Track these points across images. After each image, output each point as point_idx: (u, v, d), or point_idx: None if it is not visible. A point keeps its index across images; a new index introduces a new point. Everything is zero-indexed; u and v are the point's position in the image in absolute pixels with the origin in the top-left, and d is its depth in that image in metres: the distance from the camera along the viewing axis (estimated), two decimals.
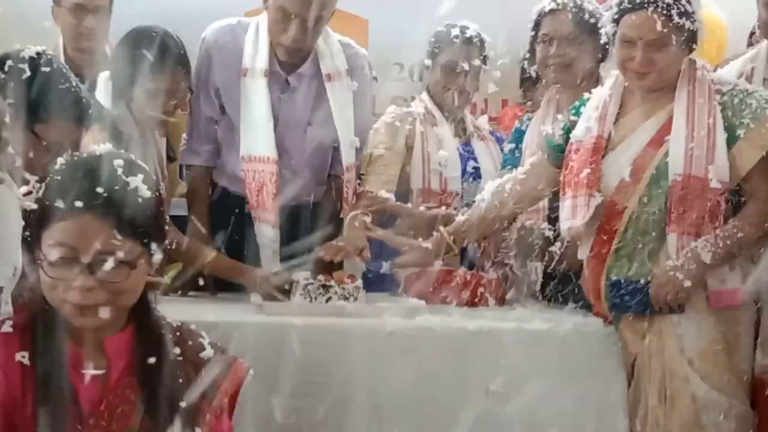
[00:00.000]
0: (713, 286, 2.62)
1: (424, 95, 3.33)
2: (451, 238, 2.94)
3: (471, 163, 3.28)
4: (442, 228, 2.97)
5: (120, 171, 1.82)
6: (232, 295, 2.98)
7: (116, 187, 1.80)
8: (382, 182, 3.14)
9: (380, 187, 3.12)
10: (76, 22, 3.35)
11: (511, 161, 3.19)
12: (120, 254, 1.79)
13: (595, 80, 3.03)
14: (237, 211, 3.10)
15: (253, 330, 2.52)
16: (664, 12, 2.58)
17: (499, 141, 3.43)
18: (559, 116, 2.96)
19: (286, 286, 2.81)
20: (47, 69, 2.24)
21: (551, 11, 3.13)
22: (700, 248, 2.57)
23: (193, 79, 3.03)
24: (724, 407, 2.60)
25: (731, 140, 2.61)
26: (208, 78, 3.09)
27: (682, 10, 2.59)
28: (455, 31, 3.24)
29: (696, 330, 2.62)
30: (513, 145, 3.28)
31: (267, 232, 3.04)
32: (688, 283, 2.57)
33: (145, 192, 1.82)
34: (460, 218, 2.97)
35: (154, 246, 1.85)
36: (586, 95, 2.85)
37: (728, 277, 2.62)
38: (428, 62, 3.29)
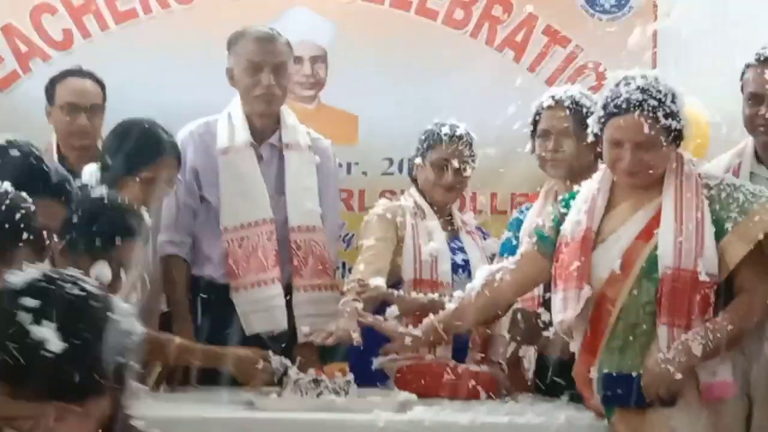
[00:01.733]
0: (704, 378, 2.62)
1: (413, 190, 3.39)
2: (441, 325, 2.94)
3: (460, 256, 3.32)
4: (432, 315, 2.97)
5: (24, 317, 1.36)
6: (222, 389, 2.95)
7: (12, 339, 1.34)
8: (374, 271, 3.16)
9: (371, 275, 3.14)
10: (69, 120, 3.40)
11: (508, 249, 3.21)
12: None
13: (590, 172, 3.06)
14: (214, 298, 3.17)
15: (245, 426, 2.50)
16: (651, 114, 2.62)
17: (486, 236, 3.46)
18: (549, 208, 2.99)
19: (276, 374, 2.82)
20: (17, 153, 2.24)
21: (549, 107, 3.18)
22: (691, 341, 2.58)
23: None
24: None
25: (719, 234, 2.64)
26: (185, 166, 3.22)
27: (668, 111, 2.64)
28: (445, 130, 3.31)
29: (688, 422, 2.61)
30: (510, 234, 3.31)
31: (269, 291, 3.14)
32: (679, 376, 2.57)
33: (56, 345, 1.34)
34: (450, 306, 2.98)
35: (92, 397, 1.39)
36: (576, 188, 2.89)
37: (719, 369, 2.63)
38: (418, 160, 3.35)
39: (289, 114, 3.37)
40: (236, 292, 3.21)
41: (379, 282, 3.11)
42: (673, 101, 2.65)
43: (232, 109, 3.33)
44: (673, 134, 2.67)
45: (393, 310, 3.01)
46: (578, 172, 3.06)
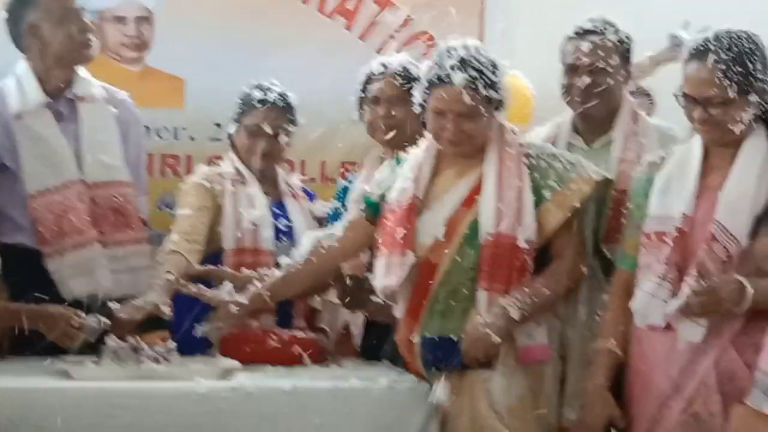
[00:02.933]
0: (522, 341, 2.70)
1: (233, 155, 3.32)
2: (267, 292, 2.92)
3: (283, 222, 3.27)
4: (257, 282, 2.94)
5: None
6: (38, 359, 2.85)
7: None
8: (190, 242, 3.10)
9: (186, 246, 3.08)
10: None
11: (335, 218, 3.21)
12: None
13: (419, 142, 3.07)
14: (29, 266, 3.06)
15: (62, 397, 2.44)
16: (472, 85, 2.67)
17: (311, 197, 3.44)
18: (377, 175, 3.01)
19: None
20: None
21: (380, 74, 3.18)
22: (509, 305, 2.65)
23: None
24: None
25: (538, 201, 2.71)
26: None
27: (489, 81, 2.69)
28: (258, 94, 3.25)
29: (505, 385, 2.68)
30: (339, 204, 3.30)
31: (86, 254, 3.03)
32: (497, 339, 2.63)
33: None
34: (276, 273, 2.96)
35: None
36: (402, 155, 2.91)
37: (535, 332, 2.71)
38: (234, 125, 3.29)
39: (80, 68, 3.22)
40: (51, 259, 3.08)
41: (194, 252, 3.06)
42: (493, 72, 2.71)
43: (20, 71, 3.16)
44: (493, 104, 2.72)
45: (228, 287, 2.96)
46: (406, 140, 3.08)
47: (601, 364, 2.65)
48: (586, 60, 3.00)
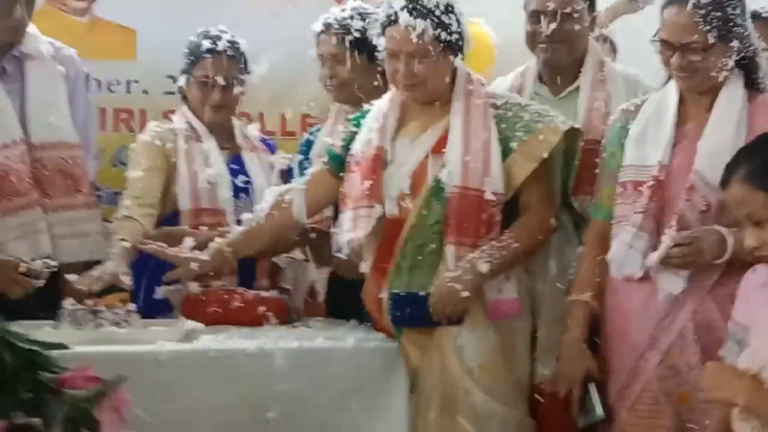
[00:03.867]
0: (491, 296, 2.66)
1: (185, 109, 3.20)
2: (229, 249, 2.84)
3: (241, 178, 3.18)
4: (219, 239, 2.87)
5: None
6: None
7: None
8: (142, 205, 3.01)
9: (140, 210, 2.99)
10: None
11: (301, 173, 3.13)
12: None
13: (379, 94, 3.01)
14: None
15: None
16: (419, 24, 2.61)
17: (272, 149, 3.35)
18: (340, 127, 2.94)
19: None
20: None
21: (321, 33, 3.11)
22: (477, 258, 2.60)
23: None
24: (503, 417, 2.64)
25: (506, 152, 2.66)
26: None
27: (438, 21, 2.63)
28: (206, 43, 3.13)
29: (475, 341, 2.64)
30: (302, 157, 3.22)
31: (27, 216, 2.91)
32: (466, 294, 2.59)
33: None
34: (238, 229, 2.89)
35: None
36: (366, 107, 2.85)
37: (504, 287, 2.67)
38: (184, 77, 3.18)
39: (32, 26, 3.08)
40: None
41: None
42: (446, 13, 2.64)
43: None
44: (445, 45, 2.65)
45: (189, 242, 2.88)
46: (363, 95, 3.00)
47: (576, 316, 2.62)
48: (550, 5, 2.93)
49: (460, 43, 2.68)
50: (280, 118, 3.87)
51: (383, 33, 2.68)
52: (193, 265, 2.83)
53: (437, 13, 2.63)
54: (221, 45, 3.13)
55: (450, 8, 2.66)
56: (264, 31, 3.51)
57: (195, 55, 3.14)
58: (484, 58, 3.61)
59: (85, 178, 3.07)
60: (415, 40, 2.62)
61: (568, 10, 2.93)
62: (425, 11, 2.62)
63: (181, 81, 3.20)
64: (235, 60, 3.15)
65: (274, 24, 3.71)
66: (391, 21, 2.65)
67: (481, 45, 3.49)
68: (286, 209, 2.84)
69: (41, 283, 2.72)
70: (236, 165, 3.20)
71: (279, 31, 3.65)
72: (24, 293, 2.71)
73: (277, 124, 3.87)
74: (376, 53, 2.78)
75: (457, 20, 2.66)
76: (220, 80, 3.12)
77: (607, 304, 2.61)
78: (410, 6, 2.63)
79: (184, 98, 3.22)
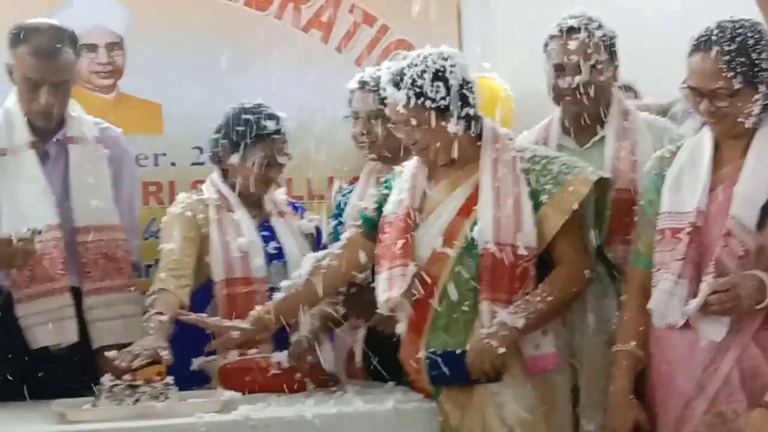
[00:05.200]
0: (528, 351, 2.63)
1: (216, 178, 3.20)
2: (269, 315, 2.85)
3: (272, 244, 3.18)
4: (258, 307, 2.88)
5: None
6: (31, 403, 2.80)
7: None
8: (178, 277, 3.01)
9: (175, 282, 2.99)
10: None
11: (336, 237, 3.13)
12: None
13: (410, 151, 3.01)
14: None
15: None
16: (403, 98, 2.65)
17: (301, 211, 3.36)
18: (372, 190, 2.95)
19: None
20: None
21: (357, 90, 3.14)
22: (512, 314, 2.58)
23: None
24: None
25: (536, 206, 2.66)
26: None
27: (419, 90, 2.65)
28: (271, 125, 3.13)
29: (514, 397, 2.62)
30: (336, 221, 3.23)
31: (56, 302, 2.95)
32: (502, 350, 2.57)
33: None
34: (278, 295, 2.89)
35: None
36: (397, 169, 2.86)
37: (542, 341, 2.64)
38: (234, 151, 3.14)
39: (74, 106, 3.14)
40: (20, 304, 2.96)
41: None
42: (434, 79, 2.64)
43: (10, 106, 3.08)
44: (435, 111, 2.65)
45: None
46: (391, 153, 3.01)
47: (622, 366, 2.58)
48: (573, 58, 2.94)
49: (454, 107, 2.66)
50: (306, 182, 3.89)
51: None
52: (234, 334, 2.83)
53: (419, 82, 2.64)
54: (283, 126, 3.15)
55: (439, 74, 2.65)
56: (286, 97, 3.53)
57: (255, 135, 3.12)
58: (500, 111, 3.62)
59: (126, 260, 3.11)
60: (402, 111, 2.66)
61: (591, 62, 2.94)
62: (409, 82, 2.65)
63: (226, 154, 3.15)
64: (286, 138, 3.17)
65: (296, 89, 3.73)
66: (384, 94, 2.71)
67: (494, 99, 3.52)
68: (324, 274, 2.85)
69: (37, 248, 2.75)
70: (266, 231, 3.21)
71: (301, 97, 3.68)
72: (27, 261, 2.76)
73: (304, 188, 3.89)
74: None
75: (447, 87, 2.65)
76: (284, 161, 3.15)
77: (651, 353, 2.58)
78: (394, 79, 2.67)
79: (223, 169, 3.21)
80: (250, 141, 3.12)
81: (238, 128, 3.13)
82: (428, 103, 2.65)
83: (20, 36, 2.99)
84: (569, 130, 3.03)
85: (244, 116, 3.15)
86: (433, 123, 2.66)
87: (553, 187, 2.66)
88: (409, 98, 2.65)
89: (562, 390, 2.69)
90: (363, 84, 3.13)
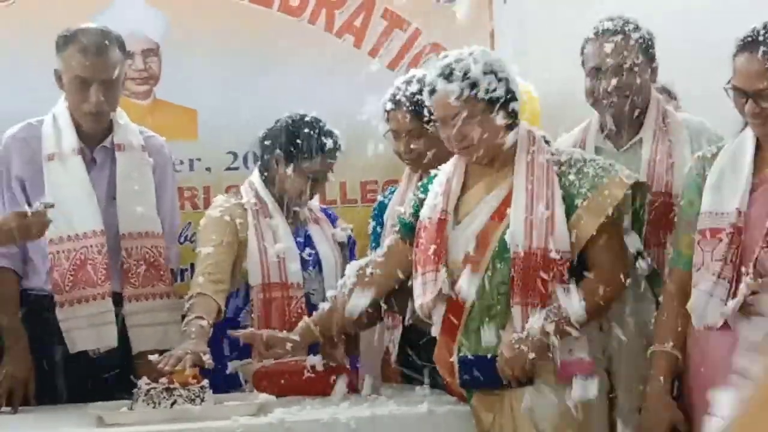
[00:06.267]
0: (561, 356, 2.61)
1: (257, 181, 3.21)
2: (317, 327, 2.87)
3: (307, 250, 3.20)
4: (306, 318, 2.90)
5: None
6: (69, 406, 2.83)
7: None
8: (215, 282, 3.03)
9: (212, 287, 3.01)
10: None
11: (376, 241, 3.14)
12: None
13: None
14: (42, 313, 3.01)
15: None
16: (452, 89, 2.64)
17: (332, 219, 3.37)
18: (411, 195, 2.96)
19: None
20: None
21: (391, 110, 3.12)
22: (544, 319, 2.57)
23: None
24: None
25: (570, 210, 2.64)
26: (9, 174, 3.06)
27: (472, 82, 2.64)
28: (329, 143, 3.15)
29: (546, 402, 2.60)
30: (374, 223, 3.24)
31: (97, 308, 2.98)
32: (533, 355, 2.55)
33: None
34: (323, 305, 2.91)
35: None
36: (433, 172, 2.86)
37: (575, 346, 2.61)
38: (289, 168, 3.15)
39: (121, 114, 3.18)
40: (61, 308, 3.00)
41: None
42: (485, 73, 2.65)
43: (59, 111, 3.12)
44: (485, 103, 2.65)
45: None
46: (435, 163, 3.01)
47: (660, 367, 2.57)
48: (610, 61, 2.92)
49: (503, 100, 2.67)
50: (340, 187, 3.90)
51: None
52: (288, 346, 2.85)
53: (471, 74, 2.64)
54: (337, 141, 3.18)
55: (489, 66, 2.66)
56: (320, 101, 3.54)
57: (308, 150, 3.14)
58: (528, 113, 3.60)
59: (166, 269, 3.13)
60: (453, 103, 2.65)
61: (627, 65, 2.93)
62: (461, 74, 2.64)
63: (289, 170, 3.15)
64: (337, 156, 3.20)
65: (329, 94, 3.74)
66: (432, 90, 2.69)
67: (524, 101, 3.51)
68: (368, 282, 2.85)
69: (50, 220, 2.79)
70: (301, 238, 3.23)
71: (334, 101, 3.69)
72: (42, 233, 2.80)
73: (337, 193, 3.90)
74: None
75: (498, 79, 2.67)
76: (330, 176, 3.17)
77: (690, 354, 2.56)
78: (444, 72, 2.66)
79: (264, 171, 3.22)
80: (307, 155, 3.14)
81: (297, 140, 3.15)
82: (481, 94, 2.64)
83: (68, 37, 3.03)
84: (607, 133, 3.02)
85: (305, 130, 3.15)
86: (484, 116, 2.65)
87: (589, 191, 2.64)
88: (462, 90, 2.64)
89: (598, 395, 2.65)
90: (398, 103, 3.10)
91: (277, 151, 3.18)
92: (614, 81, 2.92)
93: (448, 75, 2.65)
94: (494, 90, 2.65)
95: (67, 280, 2.99)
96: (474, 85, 2.64)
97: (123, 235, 3.07)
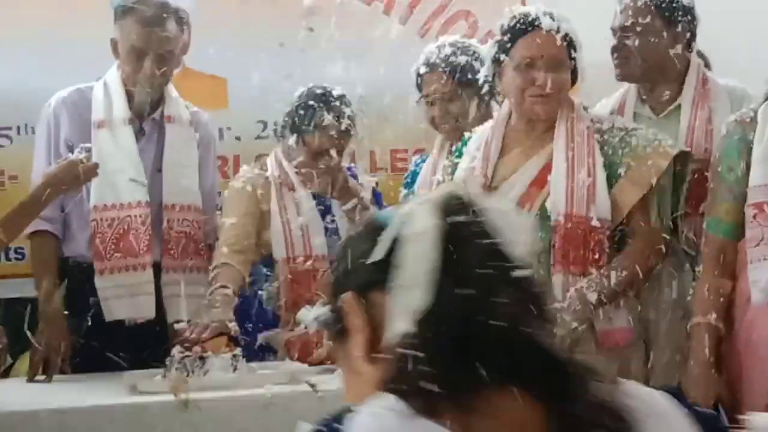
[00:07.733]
0: (601, 325, 2.58)
1: (281, 155, 3.13)
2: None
3: (328, 218, 3.15)
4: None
5: None
6: (103, 374, 2.82)
7: None
8: (239, 252, 2.98)
9: (236, 257, 2.96)
10: None
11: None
12: None
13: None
14: (81, 280, 2.98)
15: (131, 412, 2.39)
16: (559, 31, 2.60)
17: (353, 177, 3.30)
18: (445, 162, 2.91)
19: None
20: None
21: (426, 73, 3.05)
22: (585, 288, 2.54)
23: (41, 144, 3.03)
24: None
25: (612, 179, 2.60)
26: (58, 137, 3.03)
27: (572, 32, 2.61)
28: (345, 122, 3.05)
29: None
30: (406, 191, 3.19)
31: (137, 278, 2.97)
32: (575, 325, 2.52)
33: None
34: None
35: None
36: (467, 134, 2.81)
37: (615, 315, 2.59)
38: (294, 139, 3.06)
39: (171, 87, 3.15)
40: (101, 276, 2.98)
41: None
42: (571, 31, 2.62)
43: (110, 79, 3.08)
44: (574, 59, 2.62)
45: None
46: (468, 128, 2.96)
47: (702, 339, 2.49)
48: (616, 22, 2.85)
49: (575, 53, 2.65)
50: (369, 155, 3.86)
51: (512, 43, 2.62)
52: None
53: (569, 25, 2.61)
54: (347, 119, 3.06)
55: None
56: (349, 69, 3.50)
57: (317, 124, 3.02)
58: None
59: (203, 242, 3.12)
60: (559, 43, 2.59)
61: (628, 24, 2.84)
62: (564, 19, 2.60)
63: (291, 140, 3.06)
64: (344, 135, 3.08)
65: (359, 62, 3.70)
66: (531, 27, 2.60)
67: None
68: None
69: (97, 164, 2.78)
70: (321, 206, 3.17)
71: (364, 69, 3.65)
72: (90, 178, 2.80)
73: (367, 162, 3.86)
74: (483, 87, 2.73)
75: (573, 33, 2.64)
76: (341, 147, 3.07)
77: (738, 327, 2.50)
78: (551, 12, 2.60)
79: (283, 142, 3.15)
80: (305, 128, 3.03)
81: (300, 112, 3.05)
82: (573, 42, 2.62)
83: (127, 7, 3.00)
84: (645, 98, 2.95)
85: (309, 102, 3.06)
86: (570, 66, 2.62)
87: (632, 160, 2.59)
88: (566, 35, 2.60)
89: (635, 364, 2.63)
90: (433, 66, 3.03)
91: (285, 120, 3.12)
92: (637, 41, 2.82)
93: (553, 16, 2.60)
94: (575, 43, 2.62)
95: (108, 248, 2.97)
96: (568, 33, 2.61)
97: (166, 207, 3.05)
